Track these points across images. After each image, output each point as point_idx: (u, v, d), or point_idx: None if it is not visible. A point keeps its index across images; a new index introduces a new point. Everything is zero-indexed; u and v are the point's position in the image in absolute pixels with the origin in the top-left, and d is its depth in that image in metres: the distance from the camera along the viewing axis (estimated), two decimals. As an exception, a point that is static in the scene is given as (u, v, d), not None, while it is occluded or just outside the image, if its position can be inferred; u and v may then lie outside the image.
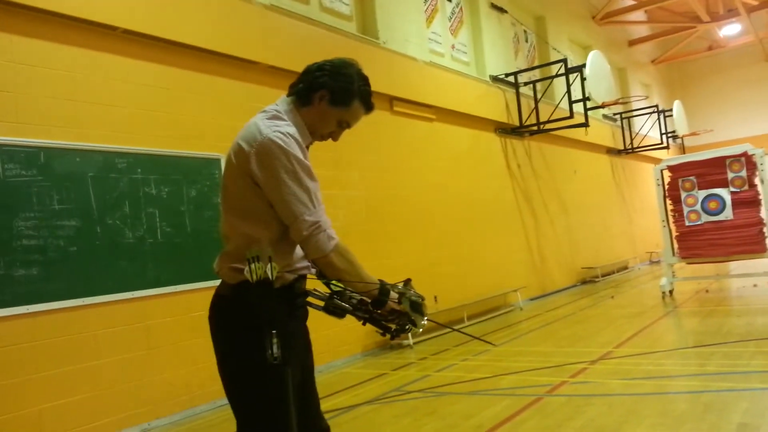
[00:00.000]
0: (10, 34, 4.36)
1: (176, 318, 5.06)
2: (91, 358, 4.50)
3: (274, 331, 1.78)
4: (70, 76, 4.67)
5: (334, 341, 6.46)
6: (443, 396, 4.96)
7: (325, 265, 1.89)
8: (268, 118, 1.93)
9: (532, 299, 10.57)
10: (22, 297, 4.16)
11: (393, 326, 1.95)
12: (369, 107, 2.03)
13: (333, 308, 1.92)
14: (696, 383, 4.68)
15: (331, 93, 1.96)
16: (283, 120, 1.93)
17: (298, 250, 1.99)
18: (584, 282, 12.87)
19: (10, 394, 4.06)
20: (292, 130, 1.90)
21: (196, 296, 5.06)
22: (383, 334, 1.98)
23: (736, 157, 8.69)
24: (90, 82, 4.79)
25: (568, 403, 4.39)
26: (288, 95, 2.03)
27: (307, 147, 1.99)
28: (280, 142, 1.84)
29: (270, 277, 1.80)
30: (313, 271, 2.07)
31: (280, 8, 6.56)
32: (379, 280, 1.93)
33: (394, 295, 1.92)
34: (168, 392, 4.93)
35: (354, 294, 1.92)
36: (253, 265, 1.80)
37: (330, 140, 2.11)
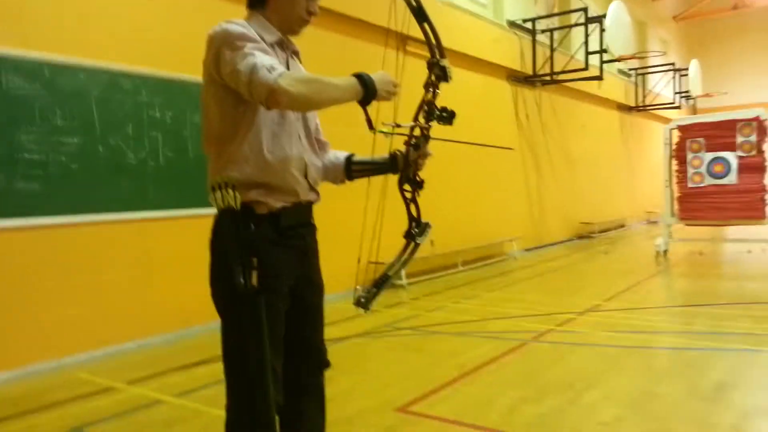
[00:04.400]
0: (15, -61, 4.22)
1: (174, 241, 5.12)
2: (91, 273, 4.59)
3: (254, 259, 1.76)
4: (75, -12, 4.55)
5: (327, 276, 6.55)
6: (431, 335, 5.08)
7: (282, 100, 1.67)
8: None
9: (527, 250, 10.66)
10: (23, 209, 4.20)
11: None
12: None
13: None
14: (680, 340, 4.79)
15: None
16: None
17: (290, 179, 1.90)
18: (581, 237, 12.95)
19: (11, 302, 4.17)
20: (236, 23, 1.84)
21: (196, 222, 5.09)
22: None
23: (747, 121, 8.60)
24: (96, -3, 4.67)
25: (553, 350, 4.50)
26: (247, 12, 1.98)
27: (280, 44, 1.94)
28: (217, 28, 1.82)
29: (234, 205, 1.77)
30: (315, 198, 2.02)
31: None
32: (353, 75, 1.81)
33: (382, 78, 1.84)
34: (164, 312, 5.05)
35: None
36: (217, 193, 1.78)
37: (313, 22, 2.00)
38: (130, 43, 4.87)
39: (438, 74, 2.05)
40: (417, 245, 2.10)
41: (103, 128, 4.66)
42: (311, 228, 2.07)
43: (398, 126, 1.98)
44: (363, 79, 1.80)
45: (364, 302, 2.00)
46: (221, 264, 1.87)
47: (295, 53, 2.04)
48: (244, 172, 1.84)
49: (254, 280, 1.77)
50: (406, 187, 2.08)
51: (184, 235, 5.13)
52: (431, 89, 2.05)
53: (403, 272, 7.28)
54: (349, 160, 2.17)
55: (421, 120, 2.04)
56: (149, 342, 4.95)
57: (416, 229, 2.09)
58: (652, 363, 4.15)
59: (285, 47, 1.98)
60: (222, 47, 1.78)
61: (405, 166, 2.07)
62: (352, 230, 6.20)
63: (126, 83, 4.82)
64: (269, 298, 1.83)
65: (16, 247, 4.19)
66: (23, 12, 4.26)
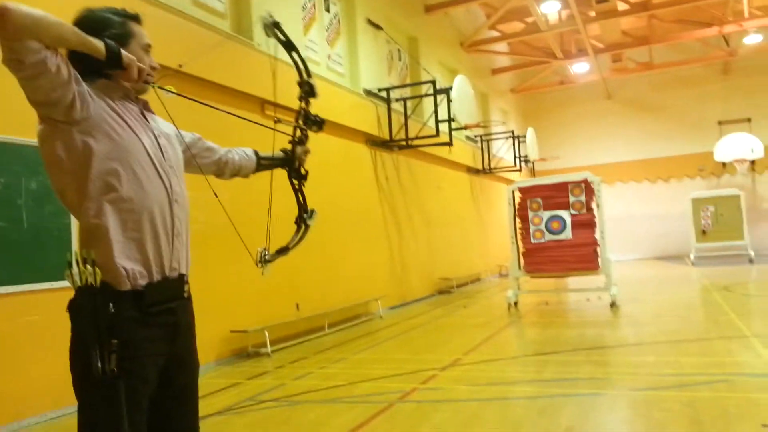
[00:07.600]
0: None
1: (7, 322, 4.57)
2: None
3: (114, 341, 1.65)
4: None
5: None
6: (298, 405, 4.95)
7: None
8: None
9: (392, 308, 10.87)
10: None
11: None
12: (130, 16, 2.02)
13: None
14: (533, 389, 5.09)
15: (115, 40, 1.86)
16: None
17: (153, 251, 1.81)
18: (441, 292, 13.48)
19: None
20: None
21: (33, 298, 4.61)
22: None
23: (577, 183, 9.64)
24: None
25: (417, 409, 4.57)
26: None
27: (126, 97, 1.93)
28: None
29: (93, 282, 1.67)
30: (184, 277, 1.94)
31: (148, -4, 6.22)
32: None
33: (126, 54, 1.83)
34: (-9, 404, 4.43)
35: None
36: (74, 269, 1.68)
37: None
38: (-45, 104, 4.43)
39: (307, 90, 2.51)
40: (308, 227, 2.49)
41: None
42: (184, 302, 1.94)
43: (172, 93, 2.19)
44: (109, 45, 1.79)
45: (267, 263, 2.32)
46: (78, 346, 1.73)
47: (146, 106, 2.01)
48: (102, 243, 1.73)
49: (113, 363, 1.65)
50: (294, 181, 2.49)
51: (18, 314, 4.60)
52: (303, 101, 2.51)
53: (267, 338, 7.06)
54: (257, 154, 2.49)
55: (300, 123, 2.49)
56: (-30, 440, 4.30)
57: (305, 214, 2.50)
58: (508, 414, 4.35)
59: (134, 101, 1.96)
60: None
61: (292, 161, 2.48)
62: (209, 299, 5.96)
63: (-51, 147, 4.35)
64: (130, 383, 1.70)
65: None
66: None
